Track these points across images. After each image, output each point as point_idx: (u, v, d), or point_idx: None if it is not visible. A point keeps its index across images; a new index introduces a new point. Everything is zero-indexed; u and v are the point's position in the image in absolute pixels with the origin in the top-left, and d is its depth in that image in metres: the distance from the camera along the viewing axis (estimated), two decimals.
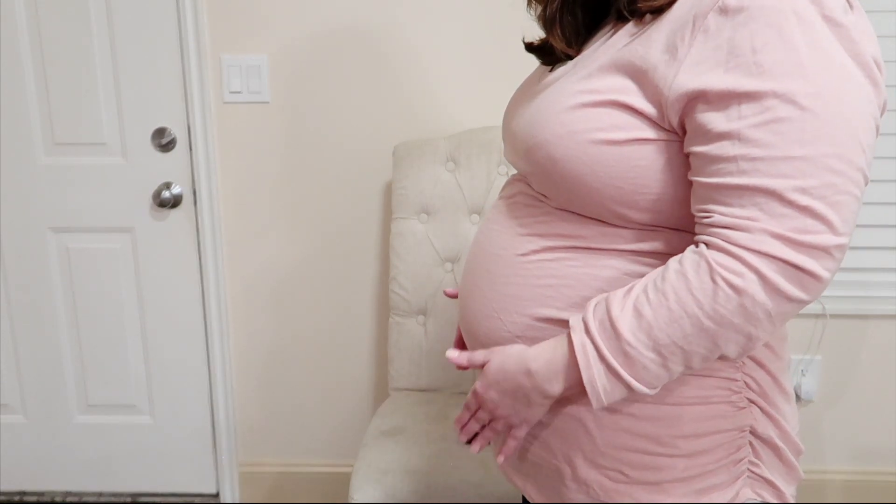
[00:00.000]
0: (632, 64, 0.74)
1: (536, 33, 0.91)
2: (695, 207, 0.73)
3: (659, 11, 0.74)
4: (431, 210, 1.77)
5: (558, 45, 0.84)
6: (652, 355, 0.71)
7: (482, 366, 0.84)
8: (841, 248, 0.68)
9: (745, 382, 0.82)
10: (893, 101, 1.54)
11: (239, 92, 1.87)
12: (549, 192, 0.82)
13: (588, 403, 0.77)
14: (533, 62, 0.95)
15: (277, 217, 1.96)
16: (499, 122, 1.09)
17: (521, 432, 0.85)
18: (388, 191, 1.90)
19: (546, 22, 0.86)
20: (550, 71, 0.87)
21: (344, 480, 2.07)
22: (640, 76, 0.73)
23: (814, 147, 0.66)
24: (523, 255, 0.84)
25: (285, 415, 2.09)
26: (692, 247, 0.72)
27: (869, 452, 2.02)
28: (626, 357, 0.72)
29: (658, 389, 0.74)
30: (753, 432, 0.83)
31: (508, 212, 0.89)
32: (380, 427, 1.62)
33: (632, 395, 0.74)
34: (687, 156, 0.73)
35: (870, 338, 1.94)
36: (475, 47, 1.83)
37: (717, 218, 0.69)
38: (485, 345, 0.88)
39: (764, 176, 0.66)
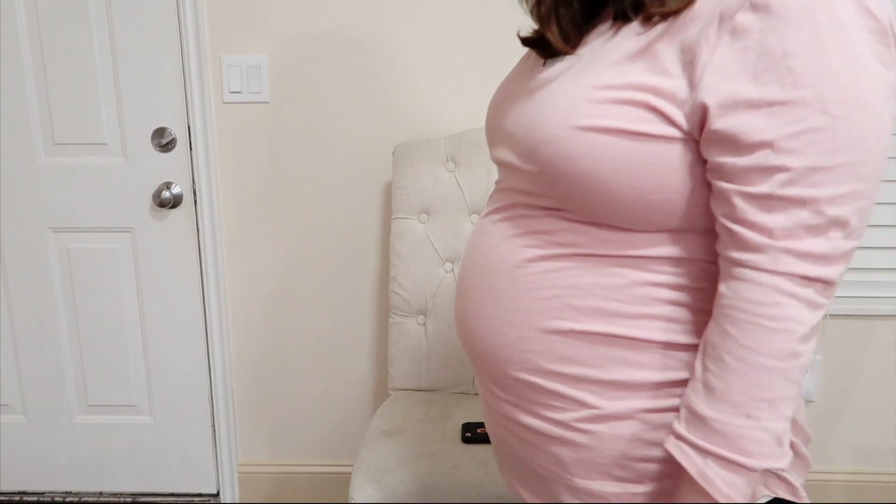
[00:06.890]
0: (648, 61, 0.71)
1: (531, 26, 0.87)
2: (718, 211, 0.71)
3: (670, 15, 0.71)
4: (431, 210, 1.77)
5: (555, 41, 0.80)
6: (742, 421, 0.69)
7: None
8: (854, 250, 0.68)
9: None
10: None
11: (239, 92, 1.87)
12: (553, 194, 0.78)
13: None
14: None
15: (277, 217, 1.96)
16: None
17: None
18: (388, 191, 1.90)
19: (541, 17, 0.82)
20: (543, 64, 0.83)
21: (344, 480, 2.08)
22: (657, 75, 0.70)
23: (846, 155, 0.65)
24: (523, 266, 0.81)
25: (285, 415, 2.09)
26: (721, 287, 0.70)
27: (869, 453, 2.02)
28: (720, 435, 0.69)
29: (786, 460, 0.70)
30: None
31: (501, 224, 0.85)
32: (380, 427, 1.61)
33: (754, 476, 0.70)
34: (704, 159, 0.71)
35: (870, 338, 1.94)
36: (475, 47, 1.83)
37: (743, 233, 0.68)
38: (491, 361, 0.85)
39: (797, 187, 0.65)
